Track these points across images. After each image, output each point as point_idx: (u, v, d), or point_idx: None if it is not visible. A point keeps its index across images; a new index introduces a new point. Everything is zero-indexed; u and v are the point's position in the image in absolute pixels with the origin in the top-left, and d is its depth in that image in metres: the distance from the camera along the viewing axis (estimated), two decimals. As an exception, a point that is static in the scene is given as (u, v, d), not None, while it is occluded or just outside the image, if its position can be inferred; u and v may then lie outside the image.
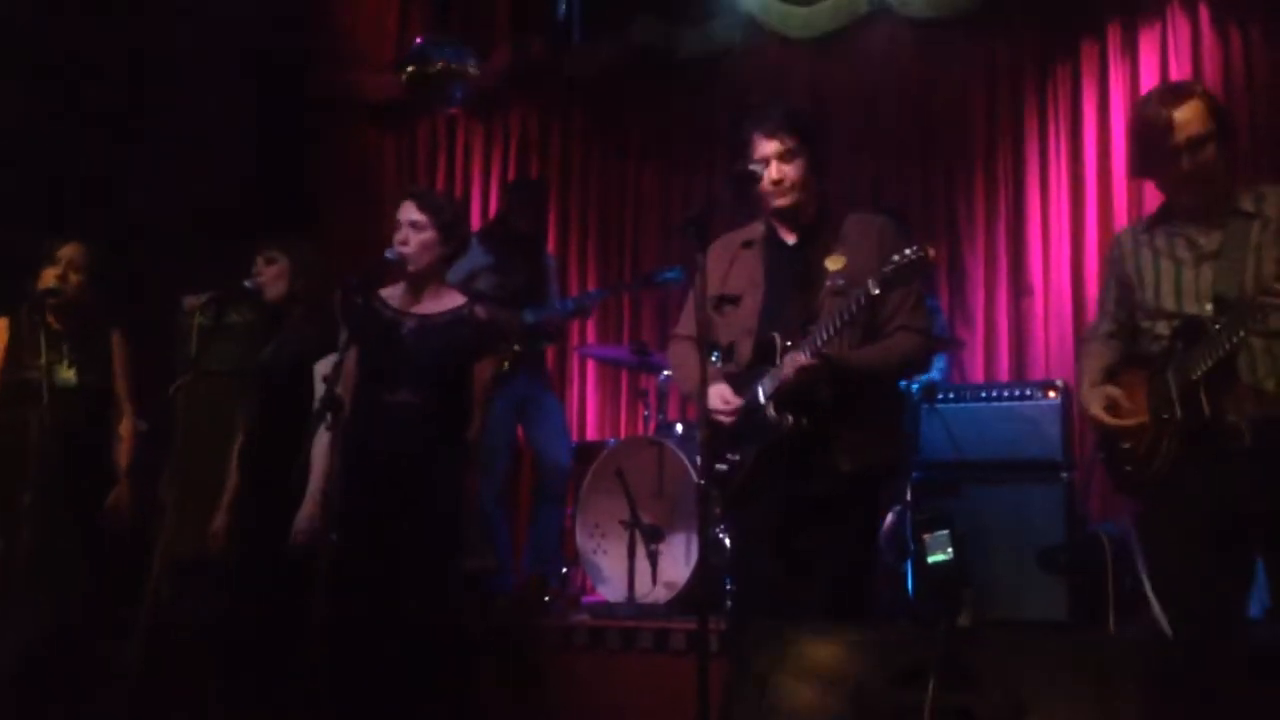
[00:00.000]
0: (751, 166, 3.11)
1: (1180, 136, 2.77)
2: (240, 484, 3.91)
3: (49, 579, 3.84)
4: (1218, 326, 2.69)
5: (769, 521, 3.06)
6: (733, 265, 3.19)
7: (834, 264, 3.06)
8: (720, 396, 3.06)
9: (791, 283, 3.13)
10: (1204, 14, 5.29)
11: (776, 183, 3.10)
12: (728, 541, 4.00)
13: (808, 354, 2.92)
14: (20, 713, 3.73)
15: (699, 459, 3.11)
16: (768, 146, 3.12)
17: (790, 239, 3.20)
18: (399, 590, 3.41)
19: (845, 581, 3.04)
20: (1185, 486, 2.74)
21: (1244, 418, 2.67)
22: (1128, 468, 2.85)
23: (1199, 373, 2.69)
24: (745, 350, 3.13)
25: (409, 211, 3.59)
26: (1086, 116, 5.52)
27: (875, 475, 3.12)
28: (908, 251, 2.85)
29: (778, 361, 3.02)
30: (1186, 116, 2.79)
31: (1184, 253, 2.82)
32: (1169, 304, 2.82)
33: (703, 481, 2.87)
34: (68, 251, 4.03)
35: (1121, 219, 5.33)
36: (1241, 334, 2.65)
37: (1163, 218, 2.93)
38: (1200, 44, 5.28)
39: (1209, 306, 2.74)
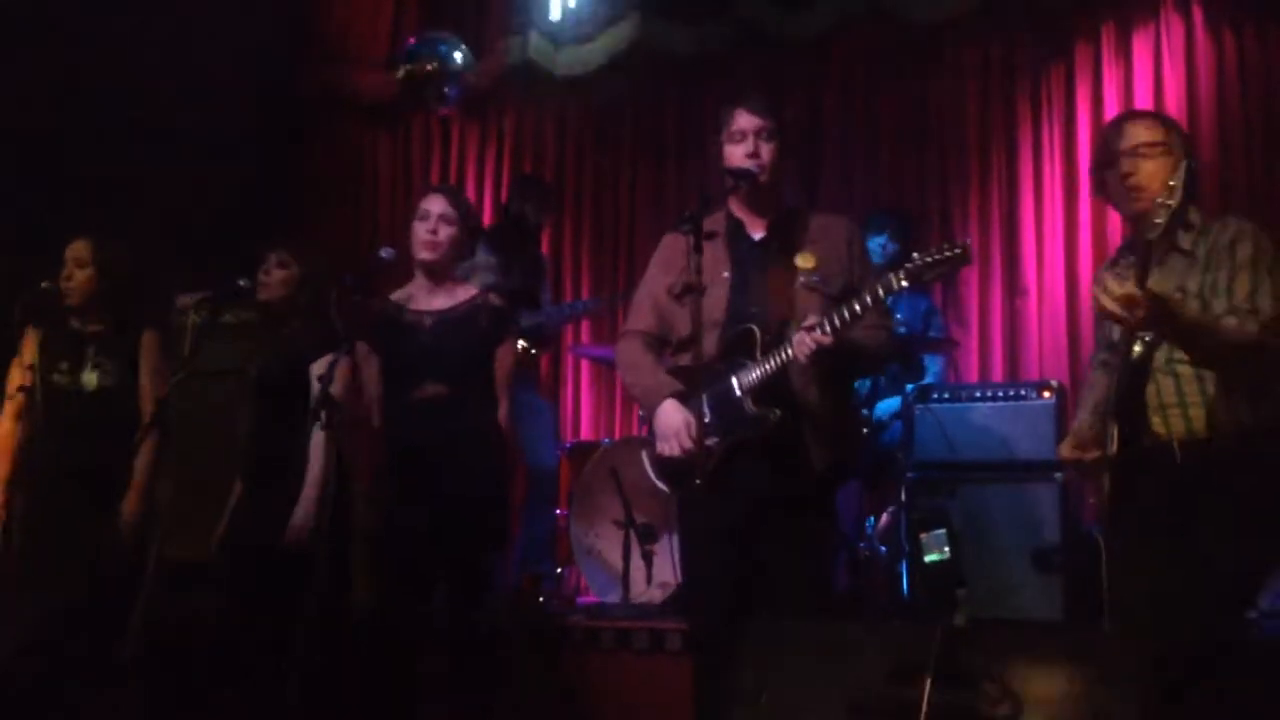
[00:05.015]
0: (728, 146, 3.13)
1: (1125, 143, 2.79)
2: (242, 489, 3.88)
3: (46, 581, 3.82)
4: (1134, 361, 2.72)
5: (731, 519, 3.02)
6: (690, 255, 3.06)
7: (805, 262, 3.07)
8: (686, 427, 3.02)
9: (762, 277, 3.12)
10: (1198, 15, 5.31)
11: (752, 156, 3.10)
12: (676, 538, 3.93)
13: (822, 334, 2.87)
14: (15, 712, 3.72)
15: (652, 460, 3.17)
16: (750, 121, 3.12)
17: (757, 232, 3.19)
18: (451, 586, 3.49)
19: (814, 580, 3.06)
20: (1128, 511, 2.77)
21: (1176, 441, 2.68)
22: (1092, 500, 2.90)
23: (1110, 405, 2.73)
24: (710, 343, 3.07)
25: (440, 204, 3.61)
26: (1080, 118, 5.53)
27: (841, 473, 3.14)
28: (945, 245, 2.85)
29: (756, 355, 3.01)
30: (1137, 128, 2.82)
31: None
32: (1115, 337, 2.83)
33: (698, 481, 2.87)
34: (72, 250, 3.96)
35: (1115, 220, 5.34)
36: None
37: (1123, 251, 2.95)
38: (1194, 45, 5.30)
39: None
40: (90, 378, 3.90)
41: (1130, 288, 2.48)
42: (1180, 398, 2.70)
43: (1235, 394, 2.66)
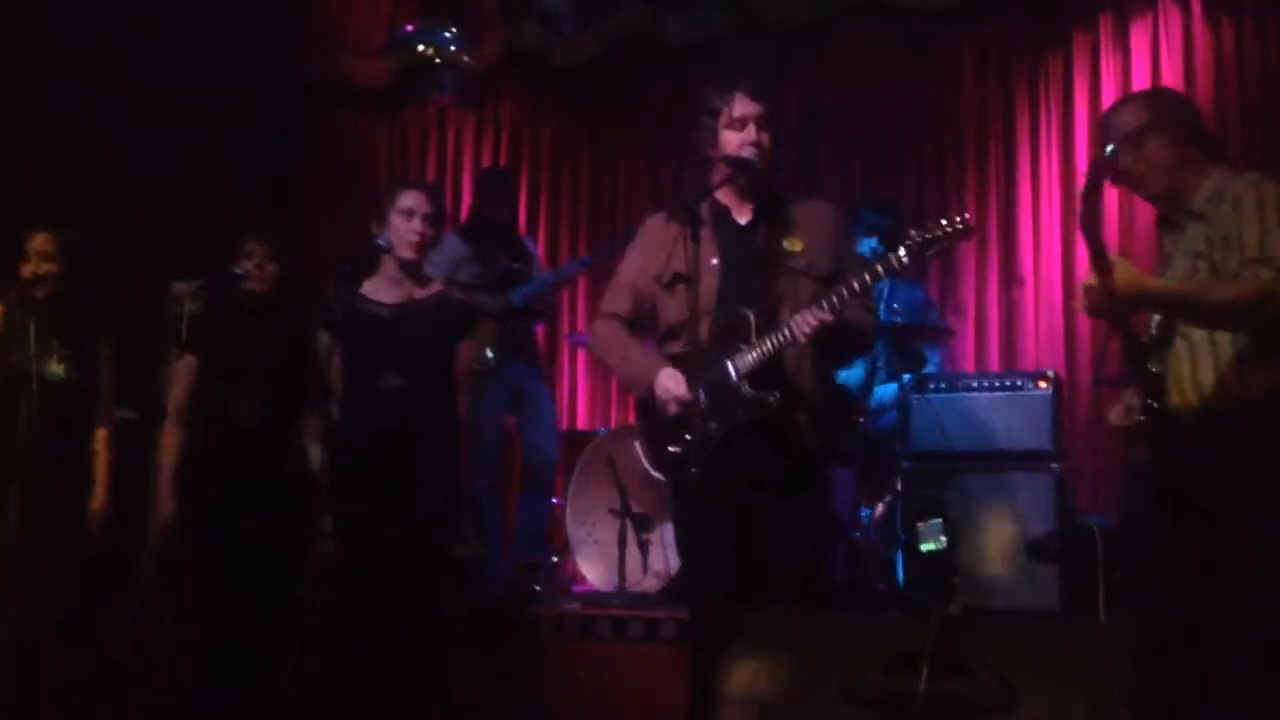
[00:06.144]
0: (725, 130, 3.11)
1: (1112, 137, 2.80)
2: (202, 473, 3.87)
3: (36, 570, 3.82)
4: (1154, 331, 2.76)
5: (728, 506, 3.02)
6: (678, 242, 3.01)
7: (792, 246, 3.09)
8: (672, 379, 3.03)
9: (750, 263, 3.12)
10: (1196, 5, 5.30)
11: (753, 144, 3.09)
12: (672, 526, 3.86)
13: (822, 312, 2.89)
14: (9, 704, 3.71)
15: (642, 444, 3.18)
16: (750, 107, 3.10)
17: (743, 218, 3.18)
18: (404, 574, 3.48)
19: (811, 565, 3.08)
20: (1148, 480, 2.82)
21: (1190, 410, 2.69)
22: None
23: (1140, 374, 2.75)
24: (703, 330, 3.02)
25: (425, 204, 3.65)
26: (1078, 107, 5.52)
27: (831, 451, 3.18)
28: (945, 222, 2.88)
29: (752, 340, 3.00)
30: (1113, 116, 2.85)
31: (1168, 252, 2.82)
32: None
33: (694, 469, 2.86)
34: (36, 244, 3.98)
35: (1113, 210, 5.34)
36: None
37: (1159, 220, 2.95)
38: (1192, 35, 5.29)
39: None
40: (57, 368, 3.93)
41: (1089, 281, 2.54)
42: (1192, 365, 2.69)
43: (1249, 358, 2.63)
